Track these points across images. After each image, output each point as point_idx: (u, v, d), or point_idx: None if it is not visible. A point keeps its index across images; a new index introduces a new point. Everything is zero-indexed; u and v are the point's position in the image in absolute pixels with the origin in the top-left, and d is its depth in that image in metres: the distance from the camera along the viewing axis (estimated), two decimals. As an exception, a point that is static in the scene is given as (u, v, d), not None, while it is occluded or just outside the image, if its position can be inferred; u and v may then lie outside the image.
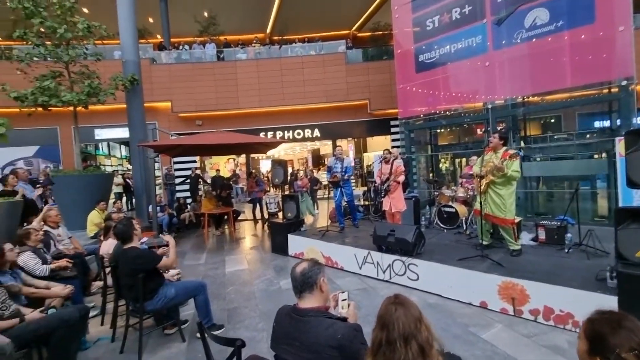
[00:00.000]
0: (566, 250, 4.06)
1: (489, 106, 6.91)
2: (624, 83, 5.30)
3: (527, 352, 2.63)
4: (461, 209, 5.78)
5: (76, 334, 2.60)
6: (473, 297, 3.48)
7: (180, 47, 14.11)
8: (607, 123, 6.42)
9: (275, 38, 16.88)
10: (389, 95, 11.65)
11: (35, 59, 7.21)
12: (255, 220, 9.43)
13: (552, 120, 11.09)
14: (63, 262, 3.66)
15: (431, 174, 9.18)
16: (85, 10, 12.00)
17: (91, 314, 3.31)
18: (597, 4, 5.37)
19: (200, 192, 10.80)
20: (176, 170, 12.08)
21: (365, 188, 9.53)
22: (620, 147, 4.55)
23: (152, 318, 3.22)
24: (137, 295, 2.74)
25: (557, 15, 5.79)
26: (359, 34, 18.73)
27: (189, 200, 10.20)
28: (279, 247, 6.01)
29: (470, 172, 5.91)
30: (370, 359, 1.17)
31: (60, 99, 6.96)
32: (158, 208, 7.85)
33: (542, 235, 4.49)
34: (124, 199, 11.64)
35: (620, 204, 4.82)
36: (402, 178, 5.38)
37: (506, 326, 3.04)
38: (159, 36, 16.31)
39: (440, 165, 10.68)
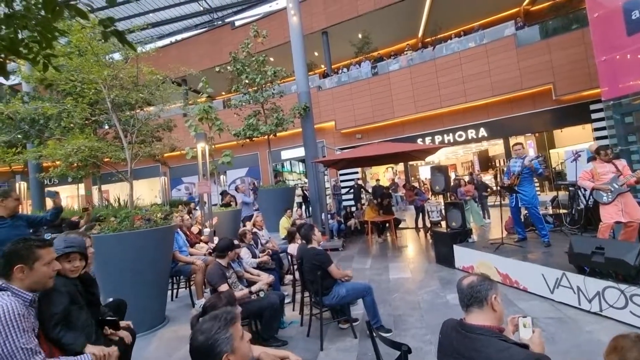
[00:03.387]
0: None
1: None
2: None
3: None
4: None
5: (278, 314, 3.33)
6: None
7: (340, 71, 15.76)
8: None
9: (428, 40, 16.27)
10: (584, 73, 9.14)
11: (243, 104, 9.79)
12: (417, 229, 9.25)
13: None
14: (265, 258, 4.77)
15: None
16: (271, 59, 15.30)
17: (285, 301, 4.14)
18: None
19: (363, 201, 11.56)
20: (342, 181, 13.43)
21: (555, 193, 7.69)
22: None
23: (329, 312, 3.72)
24: (317, 289, 3.24)
25: None
26: (533, 8, 15.53)
27: (353, 209, 11.10)
28: (444, 258, 5.66)
29: None
30: None
31: (259, 131, 9.15)
32: (329, 215, 8.94)
33: None
34: (303, 207, 13.87)
35: None
36: (634, 178, 4.02)
37: None
38: (322, 66, 18.76)
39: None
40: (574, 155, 6.47)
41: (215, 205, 7.04)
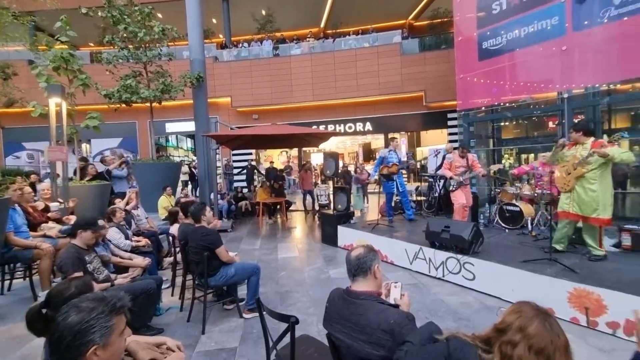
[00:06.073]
0: (658, 260, 3.53)
1: (565, 96, 6.19)
2: None
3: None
4: (527, 209, 5.31)
5: (153, 300, 2.97)
6: (538, 303, 3.21)
7: (240, 45, 14.88)
8: None
9: (329, 32, 16.92)
10: (447, 86, 11.03)
11: (120, 60, 8.19)
12: (306, 211, 9.69)
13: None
14: (143, 242, 4.18)
15: (494, 174, 8.54)
16: (159, 15, 13.23)
17: (163, 286, 3.73)
18: None
19: (256, 183, 11.39)
20: (234, 161, 12.88)
21: (418, 184, 9.20)
22: None
23: (213, 294, 3.53)
24: (202, 271, 3.02)
25: (658, -13, 4.95)
26: (416, 23, 17.92)
27: (245, 190, 10.83)
28: (329, 238, 6.11)
29: (528, 169, 5.48)
30: None
31: (140, 96, 7.83)
32: (219, 196, 8.47)
33: (626, 241, 3.95)
34: (189, 186, 12.75)
35: None
36: (483, 171, 5.35)
37: (577, 337, 2.76)
38: (221, 36, 17.35)
39: (503, 161, 9.86)
40: (434, 153, 7.85)
41: (72, 179, 5.71)
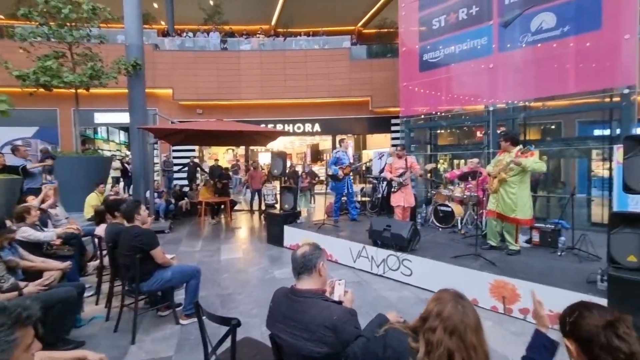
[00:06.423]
0: (559, 253, 4.12)
1: (491, 109, 6.93)
2: (626, 91, 5.32)
3: (515, 350, 2.68)
4: (457, 209, 5.82)
5: (73, 310, 2.63)
6: (465, 294, 3.53)
7: (184, 34, 14.02)
8: (607, 132, 6.46)
9: (280, 30, 16.79)
10: (392, 93, 11.64)
11: (38, 38, 7.14)
12: (252, 211, 9.46)
13: (552, 127, 11.12)
14: (59, 241, 3.69)
15: (429, 174, 9.22)
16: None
17: (86, 294, 3.33)
18: (604, 11, 5.38)
19: (198, 181, 10.81)
20: (175, 158, 12.05)
21: (363, 185, 9.56)
22: (619, 155, 4.59)
23: (146, 300, 3.25)
24: (134, 275, 2.76)
25: (563, 21, 5.80)
26: (365, 31, 18.66)
27: (186, 189, 10.21)
28: (275, 238, 6.04)
29: (459, 173, 6.01)
30: None
31: (63, 80, 6.91)
32: (155, 194, 7.86)
33: (536, 237, 4.54)
34: (122, 183, 11.61)
35: (615, 210, 4.87)
36: (421, 172, 5.67)
37: (496, 323, 3.10)
38: (163, 22, 16.18)
39: (439, 165, 10.72)
40: (379, 155, 8.23)
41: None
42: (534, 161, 3.83)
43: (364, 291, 3.90)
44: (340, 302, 1.53)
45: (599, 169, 6.95)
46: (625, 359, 0.84)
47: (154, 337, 2.87)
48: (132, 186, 8.77)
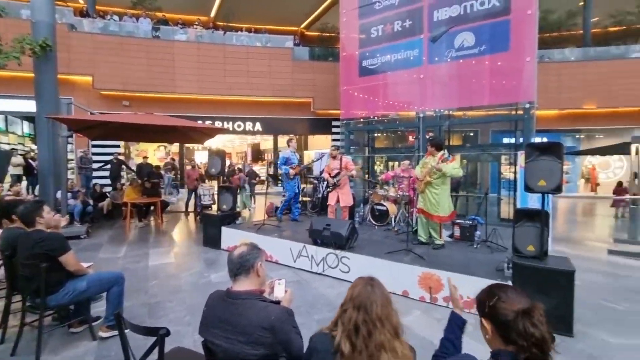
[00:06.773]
0: (475, 246, 4.64)
1: (421, 115, 7.53)
2: (527, 106, 6.24)
3: (440, 335, 2.94)
4: (391, 208, 6.19)
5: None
6: (397, 287, 3.77)
7: (108, 16, 12.59)
8: (513, 140, 7.50)
9: (220, 24, 16.08)
10: (333, 96, 11.95)
11: None
12: (186, 212, 8.87)
13: (471, 134, 12.54)
14: None
15: (367, 175, 9.67)
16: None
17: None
18: (511, 35, 6.24)
19: (123, 180, 9.78)
20: (95, 154, 10.73)
21: (304, 185, 9.62)
22: (522, 159, 5.35)
23: (53, 316, 2.83)
24: (38, 288, 2.37)
25: (480, 41, 6.57)
26: (307, 33, 18.87)
27: (108, 189, 9.16)
28: (211, 240, 5.74)
29: (393, 174, 6.46)
30: (346, 340, 1.15)
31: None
32: (69, 194, 6.91)
33: (457, 232, 5.06)
34: (24, 182, 9.96)
35: (518, 207, 5.67)
36: (354, 172, 5.79)
37: (423, 312, 3.36)
38: (81, 1, 14.32)
39: (375, 167, 11.31)
40: (319, 156, 8.35)
41: None
42: (453, 167, 4.30)
43: (304, 290, 3.92)
44: (278, 302, 1.50)
45: (507, 172, 8.05)
46: (535, 343, 0.96)
47: (64, 357, 2.51)
48: (38, 185, 7.55)
